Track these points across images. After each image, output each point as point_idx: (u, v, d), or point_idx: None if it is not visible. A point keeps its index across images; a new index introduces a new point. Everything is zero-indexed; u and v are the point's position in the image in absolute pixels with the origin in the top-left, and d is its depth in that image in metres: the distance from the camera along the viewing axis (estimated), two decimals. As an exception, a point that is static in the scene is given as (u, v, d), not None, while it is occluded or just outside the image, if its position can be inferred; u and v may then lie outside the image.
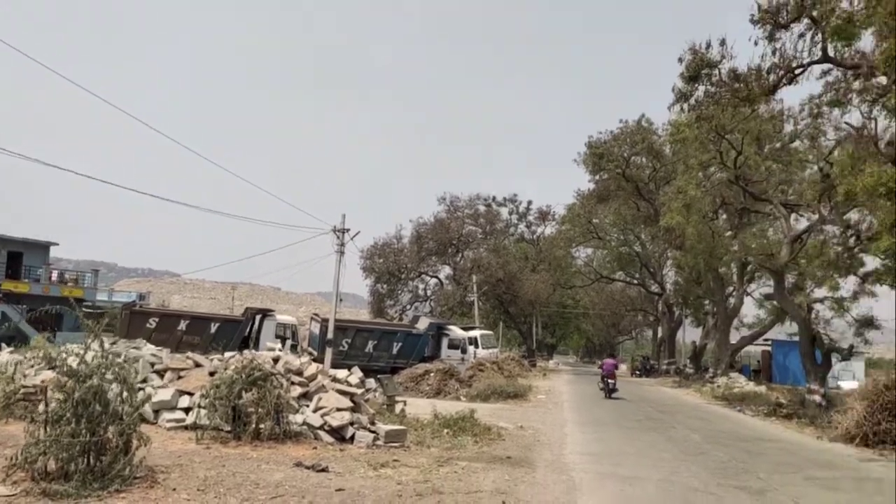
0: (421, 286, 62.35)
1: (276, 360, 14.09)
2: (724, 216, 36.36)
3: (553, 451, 13.12)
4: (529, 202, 68.88)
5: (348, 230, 30.23)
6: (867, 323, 23.09)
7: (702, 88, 23.22)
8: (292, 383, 13.50)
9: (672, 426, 18.93)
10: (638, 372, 54.25)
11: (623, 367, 65.41)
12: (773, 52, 20.32)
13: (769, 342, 42.81)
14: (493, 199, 66.38)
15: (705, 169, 31.54)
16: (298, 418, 12.50)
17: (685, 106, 23.90)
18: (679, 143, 31.70)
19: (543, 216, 67.90)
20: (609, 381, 28.33)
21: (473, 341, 40.07)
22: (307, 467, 9.64)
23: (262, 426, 11.63)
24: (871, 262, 22.67)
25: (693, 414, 23.23)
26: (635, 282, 63.67)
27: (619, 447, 14.21)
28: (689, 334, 57.82)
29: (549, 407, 23.22)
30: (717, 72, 22.14)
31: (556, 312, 76.35)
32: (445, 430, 14.25)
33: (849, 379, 34.49)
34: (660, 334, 62.99)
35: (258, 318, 35.47)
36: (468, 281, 54.25)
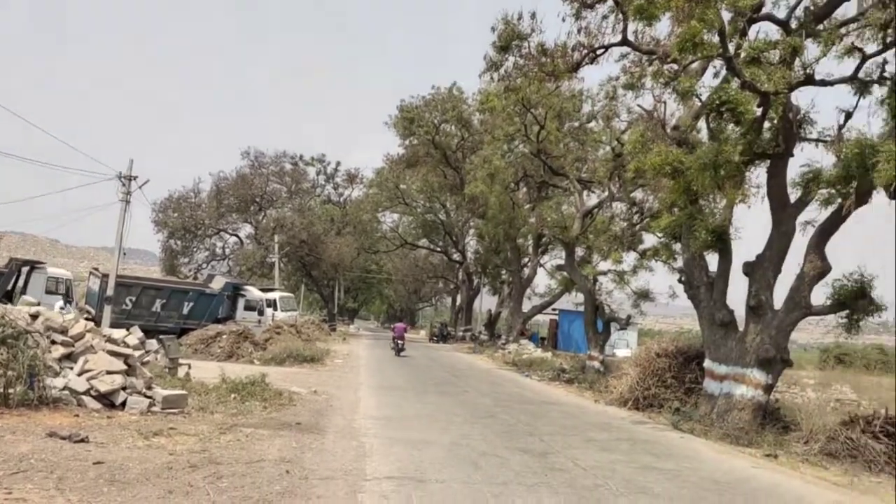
0: (219, 244, 59.11)
1: (34, 317, 12.28)
2: (525, 189, 37.80)
3: (345, 416, 12.65)
4: (338, 163, 67.53)
5: (135, 178, 27.59)
6: (644, 295, 24.97)
7: (512, 59, 23.54)
8: (53, 342, 11.84)
9: (465, 390, 19.25)
10: (435, 338, 55.56)
11: (422, 333, 66.64)
12: (579, 31, 20.99)
13: (557, 311, 45.45)
14: (301, 157, 64.30)
15: (510, 141, 32.43)
16: (59, 382, 10.94)
17: (495, 75, 24.14)
18: (488, 111, 32.28)
19: (352, 178, 66.94)
20: (399, 341, 32.70)
21: (272, 303, 38.69)
22: (62, 437, 8.34)
23: (10, 391, 10.01)
24: (649, 240, 24.53)
25: (485, 379, 23.91)
26: (438, 249, 65.01)
27: (413, 411, 14.07)
28: (487, 302, 60.11)
29: (346, 371, 22.79)
30: (526, 44, 22.49)
31: (359, 277, 76.16)
32: (233, 395, 13.28)
33: (623, 347, 37.51)
34: (458, 302, 65.00)
35: (25, 270, 31.52)
36: (270, 241, 52.18)
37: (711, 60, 15.12)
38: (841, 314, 13.97)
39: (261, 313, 36.58)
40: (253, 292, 38.37)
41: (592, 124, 32.57)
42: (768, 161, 14.55)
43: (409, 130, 48.19)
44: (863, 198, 12.39)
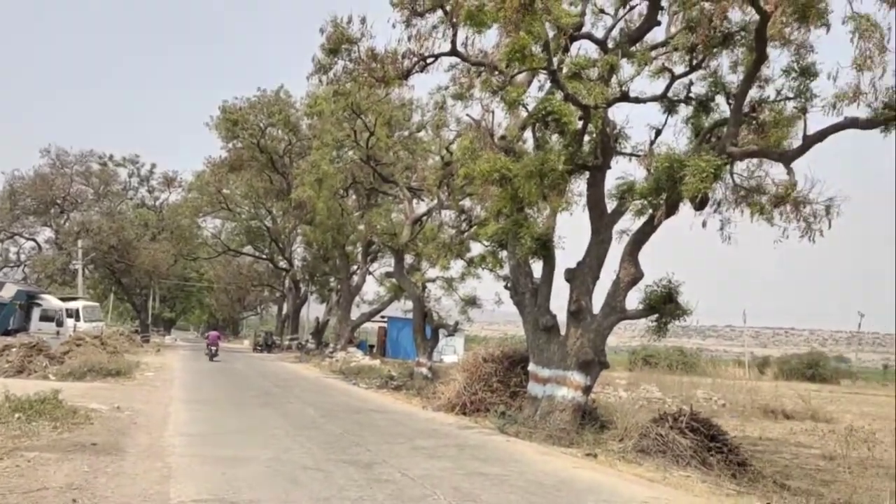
0: (13, 249, 53.36)
1: None
2: (354, 196, 37.35)
3: (151, 434, 11.53)
4: (153, 165, 63.34)
5: None
6: (471, 302, 25.40)
7: (341, 63, 23.09)
8: None
9: (288, 401, 18.44)
10: (260, 347, 53.52)
11: (246, 343, 63.97)
12: (409, 38, 20.98)
13: (385, 319, 45.33)
14: (111, 157, 59.51)
15: (340, 147, 31.88)
16: None
17: (324, 78, 23.57)
18: (316, 115, 31.55)
19: (169, 182, 62.96)
20: (212, 347, 35.99)
21: (74, 313, 35.30)
22: None
23: None
24: (476, 248, 25.03)
25: (310, 388, 23.15)
26: (264, 257, 62.74)
27: (230, 425, 13.15)
28: (314, 310, 58.82)
29: (157, 384, 21.11)
30: (356, 48, 22.15)
31: (177, 285, 71.90)
32: (17, 415, 11.69)
33: (451, 353, 38.07)
34: (285, 310, 63.05)
35: None
36: (73, 246, 47.71)
37: (537, 74, 15.59)
38: (651, 318, 14.83)
39: (60, 324, 33.30)
40: (51, 301, 34.87)
41: (422, 133, 32.86)
42: (587, 172, 15.21)
43: (233, 133, 46.11)
44: (672, 209, 13.19)
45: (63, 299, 37.05)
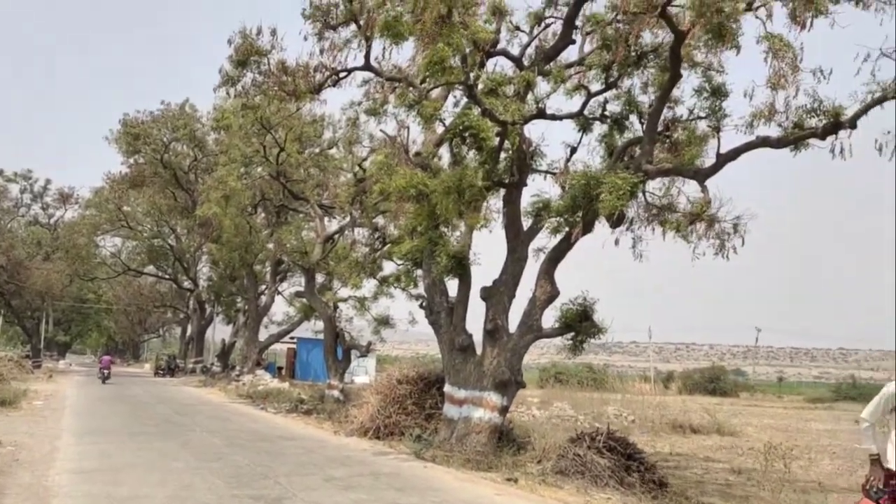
0: None
1: None
2: (263, 213, 36.22)
3: (35, 472, 10.47)
4: (48, 180, 59.98)
5: None
6: (384, 322, 24.86)
7: (250, 76, 22.32)
8: None
9: (191, 429, 17.37)
10: (162, 371, 51.09)
11: (147, 367, 61.14)
12: (321, 52, 20.45)
13: (295, 340, 44.08)
14: (1, 172, 55.99)
15: (248, 163, 30.81)
16: None
17: (231, 91, 22.69)
18: (223, 129, 30.43)
19: (65, 198, 59.69)
20: (105, 371, 37.47)
21: (-47, 338, 32.64)
22: None
23: None
24: (389, 267, 24.60)
25: (215, 414, 22.00)
26: (167, 277, 60.13)
27: (125, 460, 12.14)
28: (220, 332, 56.65)
29: (45, 414, 19.55)
30: (266, 61, 21.44)
31: (72, 307, 68.00)
32: None
33: (362, 374, 37.30)
34: (189, 332, 60.51)
35: None
36: (-44, 265, 44.40)
37: (453, 89, 15.38)
38: (567, 336, 14.76)
39: (-62, 351, 30.65)
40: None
41: (334, 151, 32.21)
42: (503, 189, 15.06)
43: (135, 147, 44.12)
44: (588, 226, 13.16)
45: (-60, 323, 34.27)
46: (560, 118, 14.20)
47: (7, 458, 11.66)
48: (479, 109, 12.92)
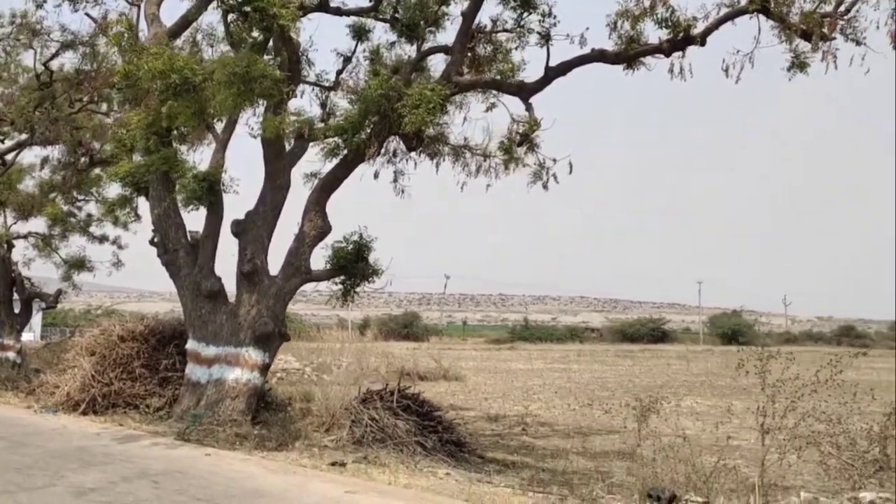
0: None
1: None
2: None
3: None
4: None
5: None
6: (79, 265, 20.14)
7: None
8: None
9: None
10: None
11: None
12: None
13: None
14: None
15: None
16: None
17: None
18: None
19: None
20: None
21: None
22: None
23: None
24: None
25: None
26: None
27: None
28: None
29: None
30: None
31: None
32: None
33: (27, 332, 30.99)
34: None
35: None
36: None
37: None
38: (338, 279, 12.65)
39: None
40: None
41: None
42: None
43: None
44: (380, 146, 11.07)
45: None
46: (347, 13, 11.72)
47: None
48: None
